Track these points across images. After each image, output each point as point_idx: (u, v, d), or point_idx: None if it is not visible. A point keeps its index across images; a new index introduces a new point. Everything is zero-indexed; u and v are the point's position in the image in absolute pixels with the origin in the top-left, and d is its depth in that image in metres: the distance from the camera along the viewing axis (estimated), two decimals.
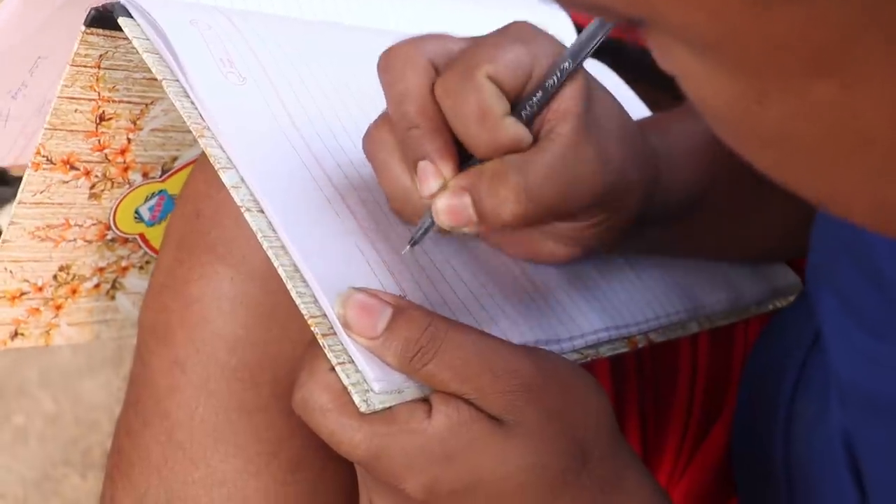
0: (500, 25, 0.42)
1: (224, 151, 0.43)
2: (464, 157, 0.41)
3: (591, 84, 0.43)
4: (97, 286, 0.60)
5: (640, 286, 0.52)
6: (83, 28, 0.47)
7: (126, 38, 0.46)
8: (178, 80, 0.45)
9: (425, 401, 0.40)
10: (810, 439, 0.49)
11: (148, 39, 0.46)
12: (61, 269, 0.57)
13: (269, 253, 0.41)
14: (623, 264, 0.53)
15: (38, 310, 0.58)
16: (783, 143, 0.26)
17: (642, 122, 0.52)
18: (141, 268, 0.61)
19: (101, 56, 0.49)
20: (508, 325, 0.45)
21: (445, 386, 0.39)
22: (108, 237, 0.58)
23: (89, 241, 0.57)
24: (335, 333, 0.40)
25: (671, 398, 0.64)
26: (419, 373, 0.39)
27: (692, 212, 0.51)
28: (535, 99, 0.40)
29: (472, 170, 0.40)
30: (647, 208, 0.47)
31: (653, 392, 0.64)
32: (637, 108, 0.65)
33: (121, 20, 0.46)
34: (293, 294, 0.40)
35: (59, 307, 0.59)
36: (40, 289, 0.57)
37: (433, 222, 0.41)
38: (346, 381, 0.39)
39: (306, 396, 0.39)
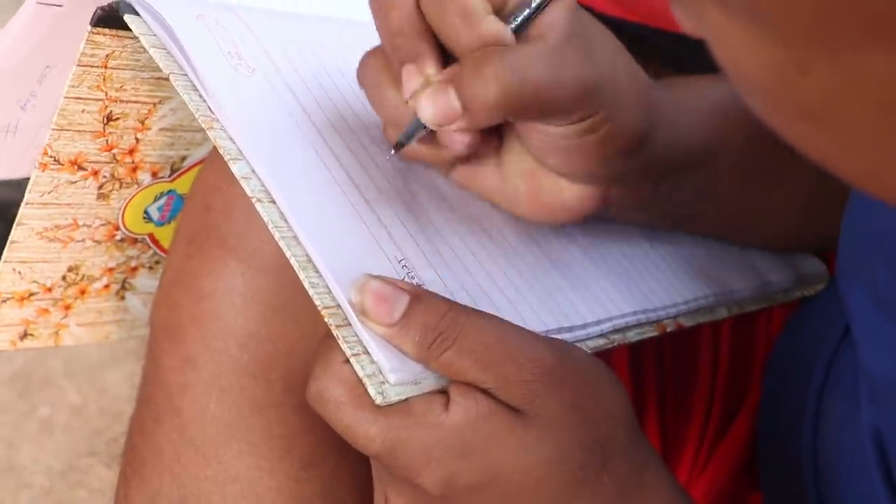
0: None
1: (234, 142, 0.42)
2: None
3: (584, 15, 0.42)
4: (106, 286, 0.59)
5: (666, 270, 0.52)
6: (89, 28, 0.47)
7: (133, 38, 0.46)
8: (185, 74, 0.45)
9: (442, 392, 0.39)
10: (839, 437, 0.48)
11: (155, 35, 0.45)
12: (70, 269, 0.57)
13: (282, 244, 0.40)
14: (648, 248, 0.52)
15: (47, 310, 0.58)
16: (822, 118, 0.24)
17: None
18: (151, 268, 0.60)
19: (107, 56, 0.48)
20: (530, 312, 0.44)
21: (464, 374, 0.38)
22: (117, 237, 0.57)
23: (98, 242, 0.57)
24: (349, 324, 0.39)
25: (692, 389, 0.63)
26: (438, 360, 0.38)
27: (702, 165, 0.49)
28: (521, 14, 0.40)
29: (454, 64, 0.41)
30: (651, 154, 0.45)
31: (673, 383, 0.63)
32: None
33: (127, 17, 0.46)
34: (306, 285, 0.39)
35: (68, 307, 0.58)
36: (49, 289, 0.57)
37: (419, 125, 0.41)
38: (361, 373, 0.38)
39: (321, 389, 0.39)
